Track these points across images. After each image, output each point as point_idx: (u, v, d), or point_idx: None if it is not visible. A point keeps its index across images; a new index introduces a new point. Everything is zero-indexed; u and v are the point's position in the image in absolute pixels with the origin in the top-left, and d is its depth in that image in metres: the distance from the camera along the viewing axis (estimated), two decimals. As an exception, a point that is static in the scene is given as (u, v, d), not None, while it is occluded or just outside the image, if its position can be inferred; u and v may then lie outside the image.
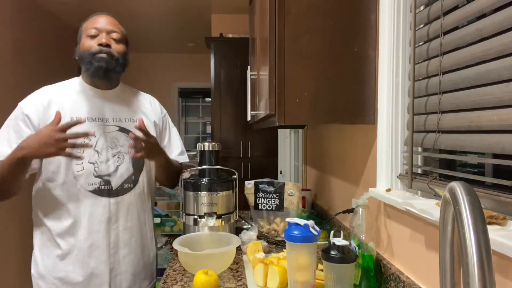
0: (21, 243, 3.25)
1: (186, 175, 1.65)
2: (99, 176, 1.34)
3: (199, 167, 1.64)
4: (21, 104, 1.35)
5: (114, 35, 1.36)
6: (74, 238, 1.33)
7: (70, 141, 1.18)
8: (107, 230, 1.35)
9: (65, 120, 1.26)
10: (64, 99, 1.36)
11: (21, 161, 1.21)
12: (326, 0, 1.18)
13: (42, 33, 3.76)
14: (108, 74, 1.35)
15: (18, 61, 3.35)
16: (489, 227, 0.67)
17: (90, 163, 1.33)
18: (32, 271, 1.39)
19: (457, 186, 0.50)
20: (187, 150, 1.70)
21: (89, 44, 1.33)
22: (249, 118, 1.79)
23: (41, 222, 1.36)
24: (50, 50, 3.92)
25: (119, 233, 1.38)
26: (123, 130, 1.41)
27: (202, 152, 1.65)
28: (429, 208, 0.89)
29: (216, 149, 1.65)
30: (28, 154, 1.19)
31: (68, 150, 1.18)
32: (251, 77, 1.78)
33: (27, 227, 3.44)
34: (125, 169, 1.39)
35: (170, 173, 1.54)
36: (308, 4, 1.17)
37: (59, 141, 1.16)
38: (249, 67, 1.89)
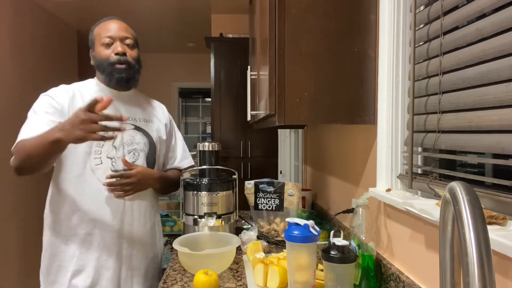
0: (21, 242, 3.24)
1: (186, 175, 1.65)
2: (116, 171, 1.37)
3: (199, 167, 1.64)
4: (50, 93, 1.35)
5: (128, 41, 1.42)
6: (88, 231, 1.34)
7: (102, 123, 1.08)
8: (121, 224, 1.37)
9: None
10: (84, 96, 1.40)
11: (54, 144, 1.13)
12: (326, 0, 1.18)
13: (42, 33, 3.76)
14: (129, 83, 1.44)
15: (18, 61, 3.34)
16: (489, 227, 0.67)
17: (108, 157, 1.36)
18: (42, 268, 1.38)
19: (457, 186, 0.50)
20: (186, 150, 1.72)
21: (105, 53, 1.38)
22: (249, 118, 1.79)
23: (55, 215, 1.35)
24: (50, 50, 3.92)
25: (132, 228, 1.41)
26: (138, 129, 1.46)
27: (202, 152, 1.65)
28: (429, 208, 0.89)
29: (216, 149, 1.66)
30: (62, 137, 1.10)
31: (100, 133, 1.08)
32: (251, 77, 1.78)
33: (27, 227, 3.43)
34: (139, 165, 1.42)
35: (168, 189, 1.60)
36: (308, 4, 1.17)
37: (86, 122, 1.06)
38: (249, 67, 1.89)
